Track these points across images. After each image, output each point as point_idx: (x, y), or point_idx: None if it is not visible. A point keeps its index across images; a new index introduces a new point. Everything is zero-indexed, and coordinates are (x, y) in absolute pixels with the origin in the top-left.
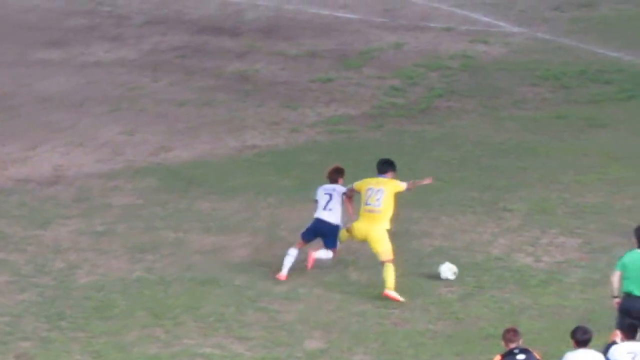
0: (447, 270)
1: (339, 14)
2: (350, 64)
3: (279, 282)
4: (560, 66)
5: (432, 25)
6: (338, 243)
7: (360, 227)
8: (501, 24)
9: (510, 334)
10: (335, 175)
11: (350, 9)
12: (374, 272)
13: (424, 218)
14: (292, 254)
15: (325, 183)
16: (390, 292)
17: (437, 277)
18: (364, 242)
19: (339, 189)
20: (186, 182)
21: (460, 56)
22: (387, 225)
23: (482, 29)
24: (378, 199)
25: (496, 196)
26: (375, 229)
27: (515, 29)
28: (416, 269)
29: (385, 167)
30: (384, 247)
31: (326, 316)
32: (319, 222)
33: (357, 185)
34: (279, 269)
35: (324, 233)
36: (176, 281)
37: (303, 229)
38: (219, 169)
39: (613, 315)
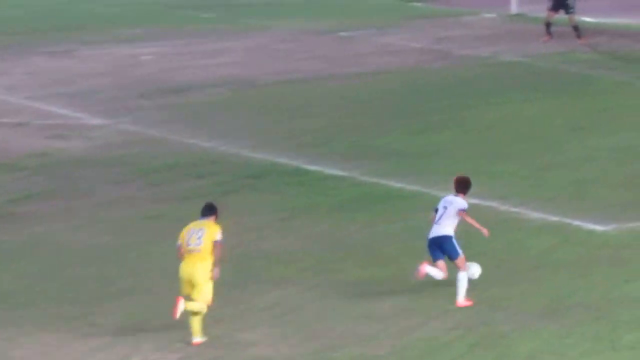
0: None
1: None
2: None
3: None
4: (149, 160)
5: (1, 121)
6: (459, 250)
7: (184, 268)
8: (81, 116)
9: None
10: (459, 186)
11: None
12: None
13: (15, 338)
14: (439, 275)
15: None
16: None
17: None
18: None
19: (456, 203)
20: None
21: (37, 154)
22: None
23: (60, 123)
24: (199, 238)
25: (82, 310)
26: (199, 269)
27: (97, 121)
28: None
29: (207, 211)
30: (203, 294)
31: None
32: (431, 241)
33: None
34: None
35: (440, 247)
36: None
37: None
38: None
39: None
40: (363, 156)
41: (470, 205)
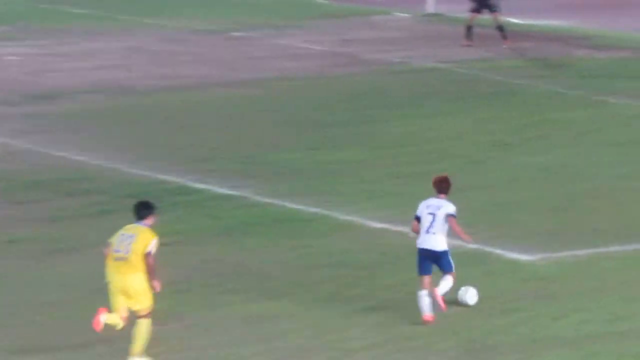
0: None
1: None
2: None
3: None
4: (11, 176)
5: None
6: (453, 264)
7: (116, 278)
8: None
9: None
10: (441, 187)
11: None
12: None
13: None
14: (423, 295)
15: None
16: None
17: None
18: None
19: (445, 207)
20: None
21: None
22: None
23: None
24: (128, 245)
25: None
26: (132, 281)
27: None
28: None
29: (141, 211)
30: (142, 302)
31: None
32: (423, 252)
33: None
34: None
35: (434, 261)
36: None
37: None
38: None
39: None
40: (257, 174)
41: (379, 230)
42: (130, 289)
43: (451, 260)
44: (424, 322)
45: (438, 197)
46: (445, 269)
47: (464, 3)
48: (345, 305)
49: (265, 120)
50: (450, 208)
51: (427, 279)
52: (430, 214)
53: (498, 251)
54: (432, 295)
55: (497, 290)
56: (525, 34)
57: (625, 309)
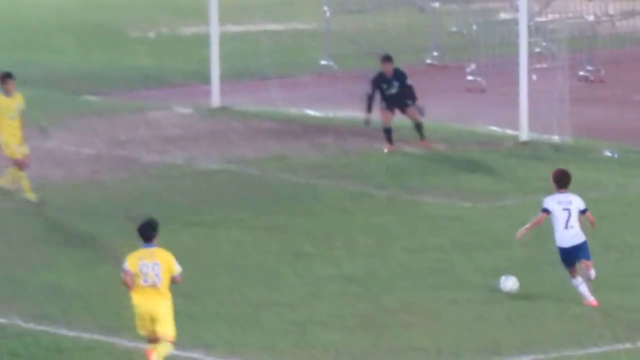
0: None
1: None
2: None
3: None
4: None
5: None
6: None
7: (145, 305)
8: None
9: None
10: (563, 182)
11: None
12: None
13: None
14: (579, 283)
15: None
16: None
17: None
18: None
19: (575, 201)
20: None
21: None
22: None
23: None
24: (157, 275)
25: None
26: (162, 307)
27: None
28: None
29: (150, 232)
30: (169, 326)
31: None
32: (571, 250)
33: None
34: None
35: (577, 252)
36: None
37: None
38: None
39: None
40: (22, 297)
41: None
42: (159, 314)
43: (589, 248)
44: (591, 305)
45: (562, 192)
46: (585, 256)
47: (253, 94)
48: None
49: (32, 235)
50: (581, 203)
51: (573, 269)
52: (565, 209)
53: None
54: (586, 279)
55: None
56: (323, 127)
57: None
